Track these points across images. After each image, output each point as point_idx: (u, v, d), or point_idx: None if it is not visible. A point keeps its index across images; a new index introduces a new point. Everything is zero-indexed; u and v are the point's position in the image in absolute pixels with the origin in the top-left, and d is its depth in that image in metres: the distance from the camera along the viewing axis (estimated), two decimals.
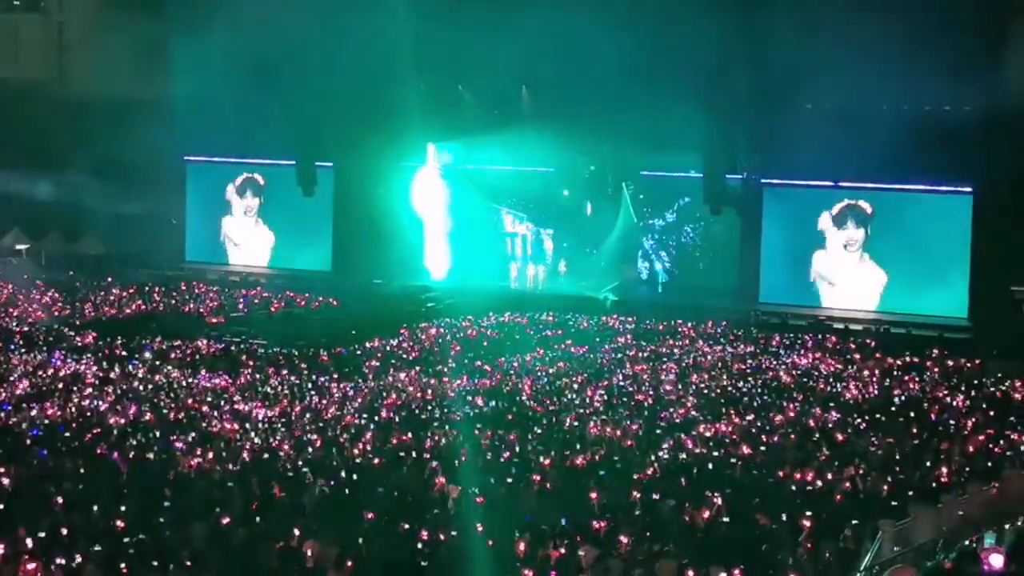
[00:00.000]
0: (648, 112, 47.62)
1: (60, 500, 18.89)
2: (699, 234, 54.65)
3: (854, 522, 17.15)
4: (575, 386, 32.26)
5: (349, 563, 15.86)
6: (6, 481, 20.12)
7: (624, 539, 17.00)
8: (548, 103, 52.66)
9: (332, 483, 20.77)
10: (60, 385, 30.48)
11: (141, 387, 30.71)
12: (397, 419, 27.37)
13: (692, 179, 52.31)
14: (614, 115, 49.73)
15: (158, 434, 24.93)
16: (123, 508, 18.33)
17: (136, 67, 55.16)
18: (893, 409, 29.23)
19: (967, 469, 22.06)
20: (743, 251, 52.43)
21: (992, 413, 28.81)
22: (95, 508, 18.39)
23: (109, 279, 52.06)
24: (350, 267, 56.29)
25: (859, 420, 27.66)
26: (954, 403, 30.12)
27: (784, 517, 18.12)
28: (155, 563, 15.60)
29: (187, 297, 50.14)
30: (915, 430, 26.21)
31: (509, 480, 20.97)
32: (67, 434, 24.55)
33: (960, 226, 47.55)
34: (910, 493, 19.58)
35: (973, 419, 27.83)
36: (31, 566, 15.29)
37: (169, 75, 54.32)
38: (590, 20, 45.12)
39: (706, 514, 18.66)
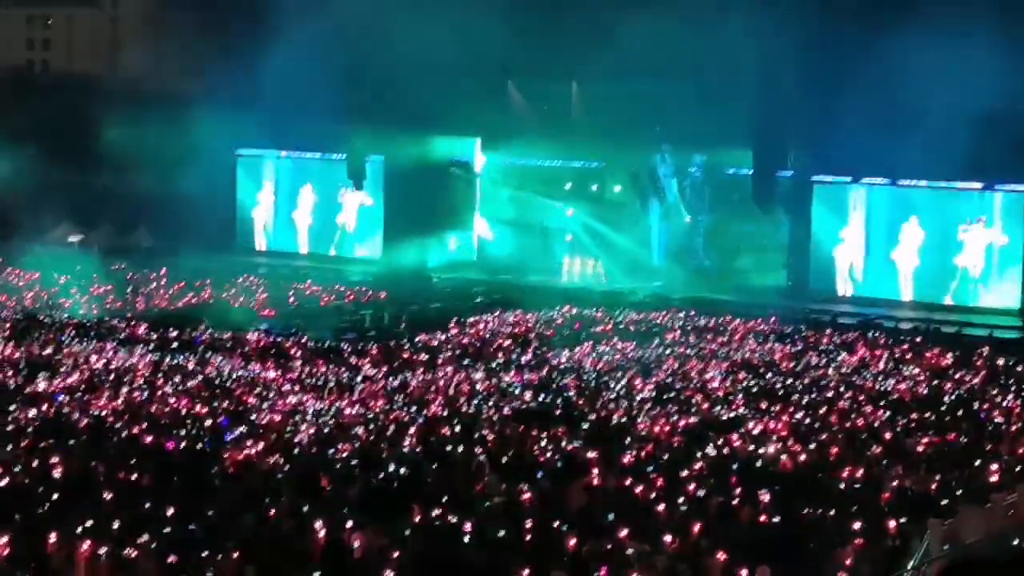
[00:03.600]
0: (699, 109, 47.61)
1: (110, 490, 19.05)
2: (749, 231, 54.40)
3: (902, 520, 17.06)
4: (623, 382, 32.21)
5: (396, 555, 15.93)
6: (58, 472, 20.29)
7: (671, 535, 16.97)
8: (598, 99, 52.63)
9: (380, 476, 20.84)
10: (111, 376, 30.69)
11: (191, 379, 30.89)
12: (445, 413, 27.40)
13: (742, 176, 52.24)
14: (665, 112, 49.65)
15: (208, 425, 25.10)
16: (173, 498, 18.45)
17: (188, 60, 55.59)
18: (942, 408, 29.00)
19: (1016, 469, 21.90)
20: (793, 248, 52.23)
21: None
22: (145, 498, 18.55)
23: (161, 271, 52.31)
24: (400, 260, 56.41)
25: (908, 419, 27.45)
26: (1004, 402, 29.85)
27: (832, 515, 18.04)
28: (204, 553, 15.73)
29: (238, 290, 50.37)
30: (964, 429, 26.02)
31: (556, 475, 20.96)
32: (118, 425, 24.74)
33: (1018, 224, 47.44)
34: (959, 492, 19.48)
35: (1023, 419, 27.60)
36: (83, 555, 15.45)
37: (221, 68, 54.53)
38: (640, 17, 45.05)
39: (753, 511, 18.61)
